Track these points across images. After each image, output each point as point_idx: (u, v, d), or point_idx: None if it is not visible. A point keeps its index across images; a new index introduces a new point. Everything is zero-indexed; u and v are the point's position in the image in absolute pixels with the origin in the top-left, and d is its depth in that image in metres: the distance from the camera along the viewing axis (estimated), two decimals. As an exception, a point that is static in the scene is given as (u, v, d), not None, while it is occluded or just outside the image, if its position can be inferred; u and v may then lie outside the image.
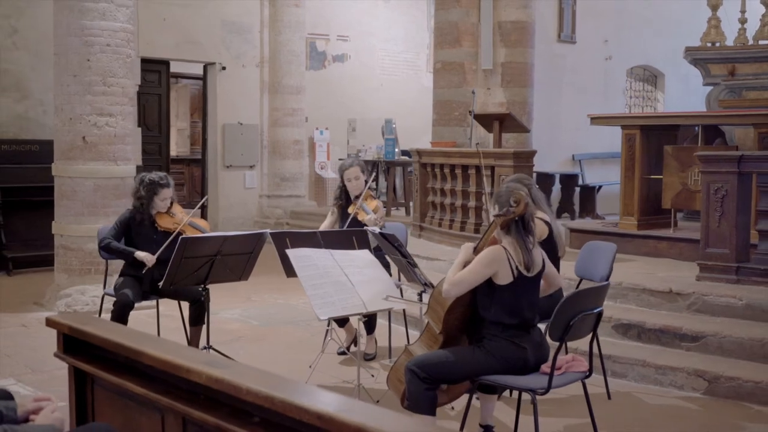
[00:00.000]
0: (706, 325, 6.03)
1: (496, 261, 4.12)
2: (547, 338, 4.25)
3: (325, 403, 2.16)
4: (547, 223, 5.22)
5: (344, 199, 6.67)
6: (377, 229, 5.67)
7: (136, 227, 6.20)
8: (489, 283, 4.16)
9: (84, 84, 7.95)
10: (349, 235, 5.90)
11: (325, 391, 2.35)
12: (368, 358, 6.54)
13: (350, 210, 6.47)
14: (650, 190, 8.42)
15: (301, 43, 14.14)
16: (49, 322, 3.25)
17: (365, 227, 5.96)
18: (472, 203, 8.57)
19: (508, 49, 10.89)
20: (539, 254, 4.27)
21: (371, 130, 14.54)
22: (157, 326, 6.88)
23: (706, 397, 5.57)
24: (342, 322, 6.50)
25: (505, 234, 4.21)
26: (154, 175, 6.23)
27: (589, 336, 4.34)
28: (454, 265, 4.31)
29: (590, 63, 12.69)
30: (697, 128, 9.56)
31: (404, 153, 14.16)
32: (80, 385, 3.26)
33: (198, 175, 16.81)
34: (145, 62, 12.74)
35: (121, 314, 5.88)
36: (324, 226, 6.73)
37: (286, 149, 14.21)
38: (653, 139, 8.47)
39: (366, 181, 6.58)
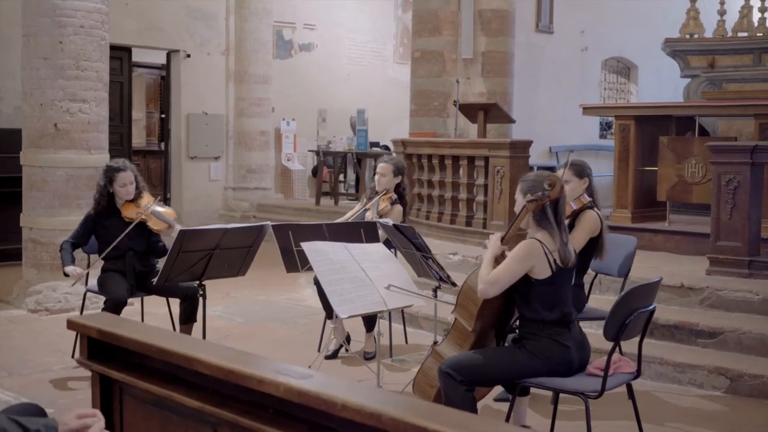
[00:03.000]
0: (722, 321, 5.83)
1: (532, 255, 3.85)
2: (590, 338, 4.00)
3: (454, 424, 1.84)
4: (601, 220, 4.97)
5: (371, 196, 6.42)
6: (390, 222, 5.35)
7: (102, 222, 5.83)
8: (525, 278, 3.89)
9: (56, 68, 7.47)
10: (356, 227, 5.57)
11: (448, 408, 2.04)
12: (368, 357, 6.21)
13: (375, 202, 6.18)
14: (643, 182, 8.23)
15: (267, 31, 13.72)
16: (73, 325, 2.88)
17: (375, 219, 5.65)
18: (463, 195, 8.29)
19: (488, 38, 10.66)
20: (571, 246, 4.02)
21: (340, 121, 14.19)
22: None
23: (729, 395, 5.36)
24: (331, 314, 6.14)
25: (537, 226, 3.93)
26: (111, 162, 5.96)
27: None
28: (484, 261, 4.01)
29: (567, 54, 12.53)
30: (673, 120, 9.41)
31: (373, 144, 13.85)
32: (106, 394, 2.90)
33: (155, 167, 16.30)
34: (107, 48, 12.18)
35: (113, 313, 5.47)
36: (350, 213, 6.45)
37: (252, 140, 13.79)
38: (646, 130, 8.28)
39: (399, 184, 6.31)
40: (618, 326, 3.67)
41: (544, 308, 3.85)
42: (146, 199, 5.96)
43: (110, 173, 5.80)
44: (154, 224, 5.82)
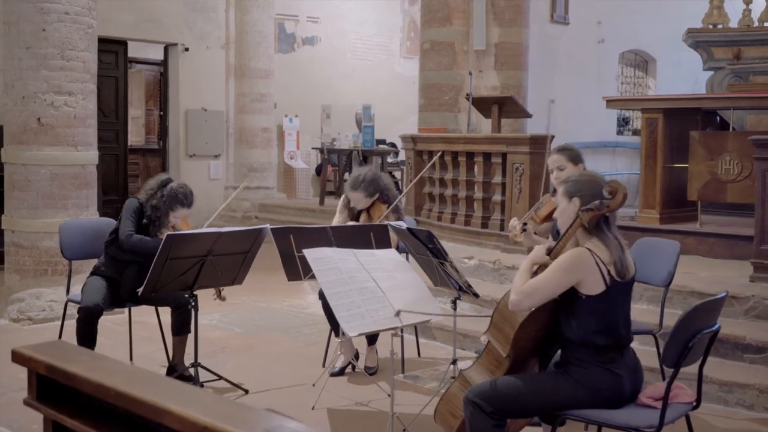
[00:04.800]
0: (772, 334, 5.25)
1: (580, 266, 3.26)
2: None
3: None
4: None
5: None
6: (404, 224, 4.78)
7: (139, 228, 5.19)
8: (573, 294, 3.30)
9: (39, 57, 6.91)
10: (365, 231, 5.00)
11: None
12: (369, 372, 5.64)
13: (362, 219, 5.56)
14: (672, 181, 7.64)
15: (269, 24, 13.16)
16: (18, 357, 2.31)
17: (387, 222, 5.07)
18: (478, 194, 7.70)
19: (502, 28, 10.10)
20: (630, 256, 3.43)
21: (344, 118, 13.62)
22: (129, 335, 5.92)
23: (783, 419, 4.79)
24: (338, 330, 5.55)
25: (587, 234, 3.35)
26: (179, 188, 5.20)
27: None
28: (520, 270, 3.44)
29: (583, 46, 11.94)
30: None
31: (379, 142, 13.30)
32: (60, 443, 2.33)
33: (154, 166, 15.75)
34: (101, 42, 11.55)
35: (87, 324, 4.93)
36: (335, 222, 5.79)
37: (254, 137, 13.23)
38: (675, 125, 7.69)
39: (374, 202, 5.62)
40: (680, 350, 3.09)
41: (594, 331, 3.27)
42: (185, 225, 5.40)
43: (172, 203, 5.15)
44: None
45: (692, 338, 3.10)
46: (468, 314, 5.96)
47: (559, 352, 3.51)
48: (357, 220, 5.61)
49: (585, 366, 3.28)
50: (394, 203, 5.52)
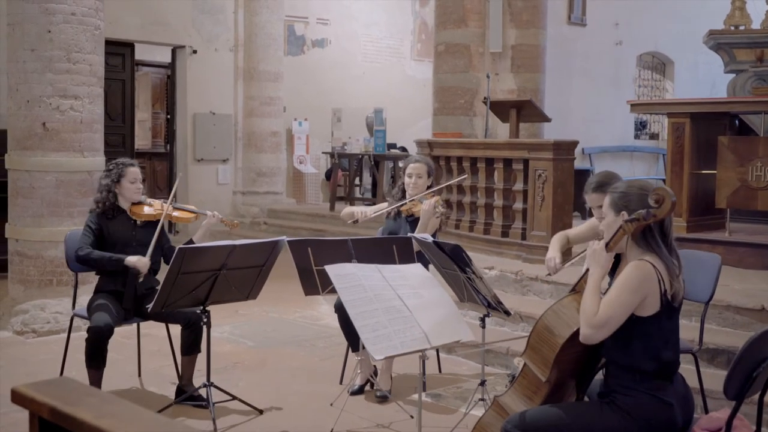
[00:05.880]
0: (815, 352, 4.97)
1: (646, 282, 3.00)
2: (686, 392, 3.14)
3: None
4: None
5: (399, 198, 5.52)
6: (429, 237, 4.52)
7: (109, 227, 5.07)
8: None
9: (44, 60, 6.68)
10: (388, 243, 4.73)
11: None
12: (380, 395, 5.31)
13: (404, 210, 5.32)
14: (698, 188, 7.37)
15: (279, 26, 12.90)
16: (18, 397, 2.05)
17: (411, 235, 4.80)
18: (498, 202, 7.43)
19: (519, 30, 9.85)
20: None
21: (355, 121, 13.37)
22: (137, 350, 5.68)
23: (832, 443, 4.51)
24: (355, 346, 5.28)
25: (642, 249, 3.08)
26: (118, 160, 5.24)
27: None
28: (588, 292, 3.09)
29: (600, 48, 11.68)
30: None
31: (390, 146, 13.05)
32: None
33: (161, 170, 15.52)
34: (108, 44, 11.30)
35: (97, 344, 4.69)
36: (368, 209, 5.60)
37: (263, 142, 12.96)
38: (701, 129, 7.42)
39: (429, 187, 5.45)
40: (743, 380, 2.83)
41: (645, 354, 3.00)
42: (153, 200, 5.27)
43: (119, 169, 5.13)
44: (179, 215, 5.20)
45: (758, 367, 2.84)
46: (500, 339, 5.71)
47: (602, 378, 3.26)
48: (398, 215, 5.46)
49: (632, 394, 3.02)
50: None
